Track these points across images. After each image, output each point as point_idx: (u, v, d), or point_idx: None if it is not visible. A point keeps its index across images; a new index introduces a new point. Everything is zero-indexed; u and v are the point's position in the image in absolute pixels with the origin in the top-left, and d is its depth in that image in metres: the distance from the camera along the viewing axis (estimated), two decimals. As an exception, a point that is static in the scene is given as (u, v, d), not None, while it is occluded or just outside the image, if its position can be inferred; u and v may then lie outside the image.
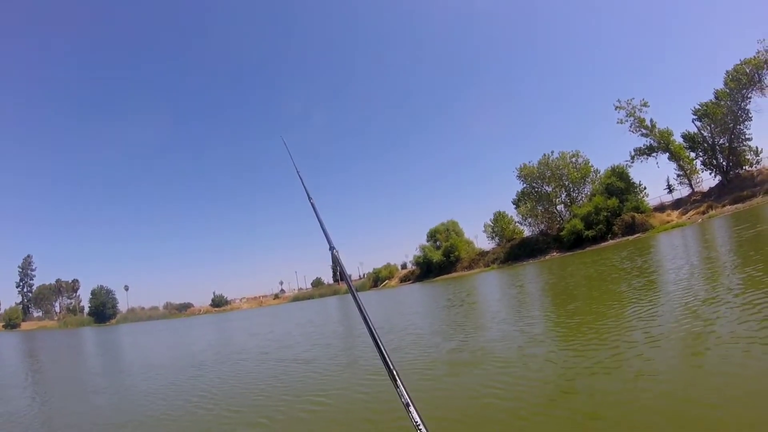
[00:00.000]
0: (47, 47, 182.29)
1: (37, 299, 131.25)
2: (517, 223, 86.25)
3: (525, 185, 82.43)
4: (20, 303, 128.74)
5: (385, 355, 1.28)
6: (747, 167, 63.25)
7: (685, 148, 69.69)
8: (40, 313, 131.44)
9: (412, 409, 1.12)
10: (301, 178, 2.74)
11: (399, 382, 1.16)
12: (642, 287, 16.25)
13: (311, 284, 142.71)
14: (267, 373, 13.66)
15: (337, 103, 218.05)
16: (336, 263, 2.03)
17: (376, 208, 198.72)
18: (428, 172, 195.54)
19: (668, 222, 59.50)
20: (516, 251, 77.33)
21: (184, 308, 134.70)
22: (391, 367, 1.24)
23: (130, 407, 11.25)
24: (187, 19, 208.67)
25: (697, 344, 8.42)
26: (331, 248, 2.27)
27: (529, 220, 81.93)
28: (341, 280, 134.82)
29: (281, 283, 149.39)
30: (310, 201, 2.39)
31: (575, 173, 75.53)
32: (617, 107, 72.36)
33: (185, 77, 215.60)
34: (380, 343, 1.34)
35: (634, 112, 71.37)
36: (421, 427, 1.10)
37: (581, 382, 7.47)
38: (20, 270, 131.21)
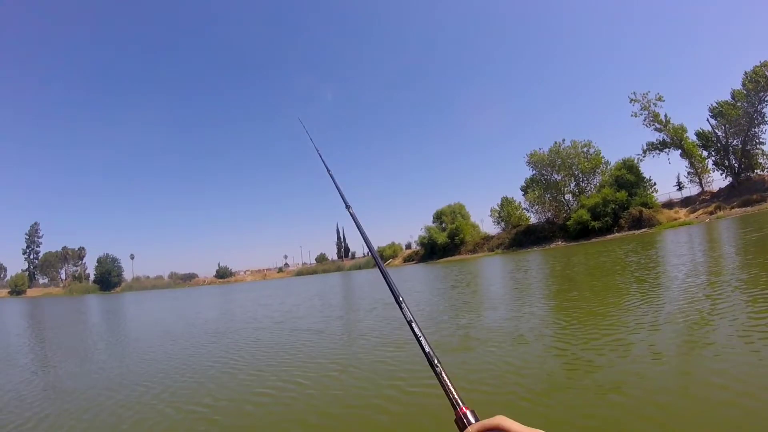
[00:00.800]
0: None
1: (44, 266, 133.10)
2: (524, 210, 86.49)
3: (534, 172, 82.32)
4: (26, 270, 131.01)
5: (391, 284, 1.56)
6: (759, 171, 63.04)
7: (698, 146, 69.25)
8: (46, 280, 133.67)
9: (414, 325, 1.34)
10: (321, 156, 2.88)
11: (404, 306, 1.42)
12: (648, 282, 16.39)
13: (315, 260, 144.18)
14: (287, 341, 14.16)
15: (350, 80, 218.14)
16: (356, 223, 2.05)
17: (384, 186, 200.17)
18: (438, 153, 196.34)
19: (675, 219, 59.51)
20: (521, 238, 77.64)
21: (188, 278, 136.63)
22: (397, 293, 1.51)
23: (156, 372, 11.58)
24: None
25: (696, 333, 8.79)
26: (347, 206, 2.25)
27: (536, 207, 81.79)
28: (345, 256, 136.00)
29: (285, 257, 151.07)
30: (329, 173, 2.55)
31: (586, 163, 75.01)
32: (632, 100, 71.90)
33: (196, 52, 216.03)
34: (385, 273, 1.66)
35: (649, 105, 71.02)
36: (421, 339, 1.28)
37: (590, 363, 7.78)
38: (27, 237, 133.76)
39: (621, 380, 6.72)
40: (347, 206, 2.24)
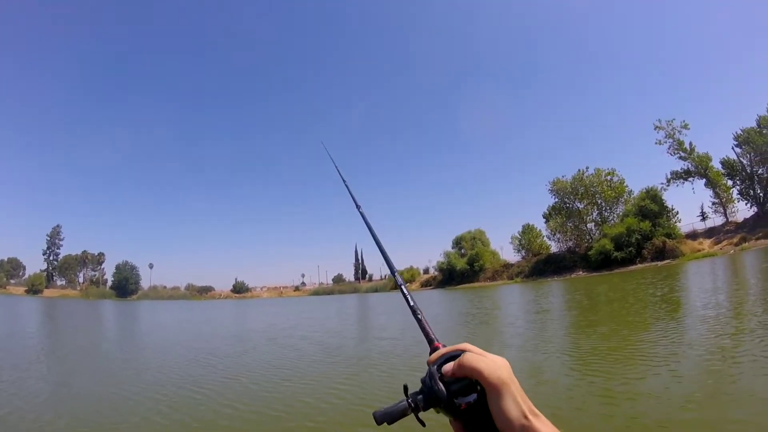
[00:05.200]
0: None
1: (62, 268, 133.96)
2: (545, 238, 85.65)
3: (556, 200, 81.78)
4: (45, 270, 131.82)
5: (387, 256, 1.72)
6: (785, 201, 61.37)
7: (723, 175, 67.83)
8: (64, 282, 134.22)
9: (403, 288, 1.47)
10: (345, 182, 2.69)
11: (399, 280, 1.53)
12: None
13: (332, 280, 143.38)
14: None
15: (376, 100, 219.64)
16: (366, 223, 1.99)
17: (404, 209, 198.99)
18: (459, 178, 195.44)
19: (699, 250, 58.13)
20: (541, 266, 76.34)
21: (205, 291, 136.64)
22: (390, 263, 1.69)
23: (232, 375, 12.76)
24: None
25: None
26: (358, 206, 2.22)
27: (558, 235, 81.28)
28: (362, 277, 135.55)
29: (303, 275, 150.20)
30: (358, 209, 2.30)
31: (609, 192, 74.28)
32: (657, 127, 71.08)
33: (223, 65, 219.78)
34: (383, 249, 1.78)
35: (674, 133, 70.05)
36: (409, 298, 1.40)
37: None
38: (48, 238, 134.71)
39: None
40: (357, 206, 2.22)
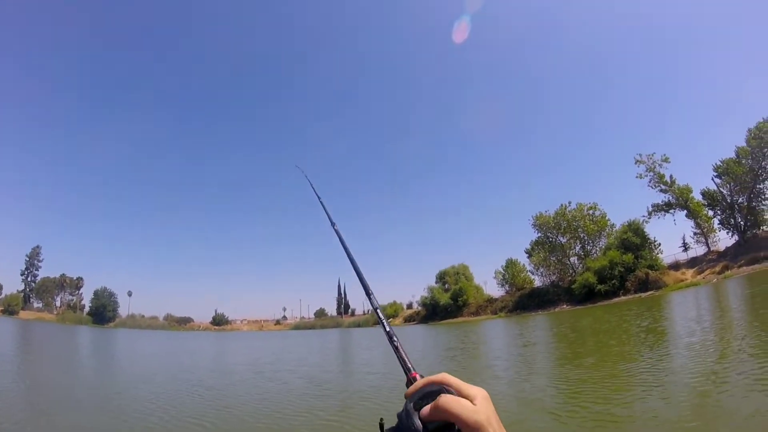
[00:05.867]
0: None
1: (40, 290, 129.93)
2: (528, 272, 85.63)
3: (539, 234, 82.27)
4: (22, 291, 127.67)
5: (362, 276, 1.65)
6: (765, 227, 61.75)
7: (704, 205, 68.29)
8: (40, 305, 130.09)
9: (373, 297, 1.50)
10: (319, 198, 2.65)
11: (371, 293, 1.54)
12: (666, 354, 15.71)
13: (314, 314, 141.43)
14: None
15: (359, 137, 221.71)
16: (341, 241, 1.89)
17: (387, 244, 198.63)
18: (442, 213, 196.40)
19: (682, 281, 57.83)
20: (525, 301, 75.89)
21: (184, 322, 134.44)
22: (365, 283, 1.61)
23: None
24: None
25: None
26: (332, 223, 2.14)
27: (541, 269, 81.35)
28: (345, 312, 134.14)
29: (284, 309, 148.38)
30: (333, 227, 2.22)
31: (591, 226, 74.83)
32: (637, 161, 71.60)
33: (211, 87, 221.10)
34: (358, 269, 1.70)
35: (654, 167, 70.54)
36: (385, 323, 1.38)
37: None
38: (27, 259, 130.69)
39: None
40: (332, 223, 2.16)
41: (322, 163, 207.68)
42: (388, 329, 1.34)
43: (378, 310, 1.43)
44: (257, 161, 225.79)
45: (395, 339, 1.29)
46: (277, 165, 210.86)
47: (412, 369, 1.16)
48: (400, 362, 1.21)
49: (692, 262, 65.42)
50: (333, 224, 2.14)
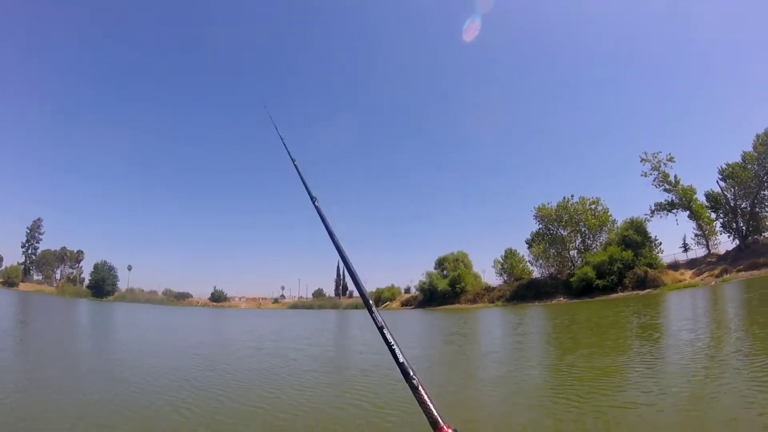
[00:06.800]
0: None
1: (40, 263, 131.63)
2: (527, 263, 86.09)
3: (541, 226, 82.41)
4: (22, 263, 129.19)
5: (362, 290, 1.58)
6: (767, 234, 61.95)
7: (707, 207, 68.39)
8: (40, 277, 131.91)
9: (385, 331, 1.27)
10: (296, 165, 2.51)
11: (374, 309, 1.39)
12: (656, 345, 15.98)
13: (312, 294, 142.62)
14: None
15: (356, 116, 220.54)
16: (321, 216, 1.87)
17: (388, 227, 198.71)
18: (445, 200, 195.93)
19: (681, 281, 58.16)
20: (523, 291, 76.28)
21: (182, 297, 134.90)
22: (368, 298, 1.48)
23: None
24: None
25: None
26: (313, 199, 2.06)
27: (540, 261, 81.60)
28: (343, 294, 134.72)
29: (282, 288, 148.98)
30: (313, 203, 2.14)
31: (593, 220, 74.89)
32: (643, 159, 71.56)
33: (217, 71, 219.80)
34: (358, 281, 1.64)
35: (659, 166, 70.62)
36: (395, 347, 1.19)
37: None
38: (28, 231, 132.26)
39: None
40: (313, 199, 2.07)
41: (327, 146, 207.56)
42: (401, 359, 1.15)
43: (384, 331, 1.28)
44: (261, 144, 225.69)
45: (414, 377, 1.07)
46: (273, 150, 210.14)
47: (440, 421, 0.92)
48: (423, 409, 0.97)
49: (691, 264, 65.58)
50: (313, 200, 2.07)
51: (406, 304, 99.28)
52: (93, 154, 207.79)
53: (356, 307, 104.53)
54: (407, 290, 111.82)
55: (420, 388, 1.01)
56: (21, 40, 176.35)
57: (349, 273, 1.57)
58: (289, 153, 2.65)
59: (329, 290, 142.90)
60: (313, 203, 2.03)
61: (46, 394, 10.35)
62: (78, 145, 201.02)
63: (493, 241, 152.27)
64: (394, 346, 1.19)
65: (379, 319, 1.32)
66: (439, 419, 0.92)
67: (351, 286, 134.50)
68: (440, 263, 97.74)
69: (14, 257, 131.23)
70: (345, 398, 10.92)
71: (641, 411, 8.27)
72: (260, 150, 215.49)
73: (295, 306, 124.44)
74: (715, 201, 67.51)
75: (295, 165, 2.45)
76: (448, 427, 0.90)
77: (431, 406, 0.96)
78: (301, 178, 2.26)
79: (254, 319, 57.61)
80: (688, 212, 69.14)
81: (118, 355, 18.59)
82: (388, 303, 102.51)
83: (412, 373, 1.07)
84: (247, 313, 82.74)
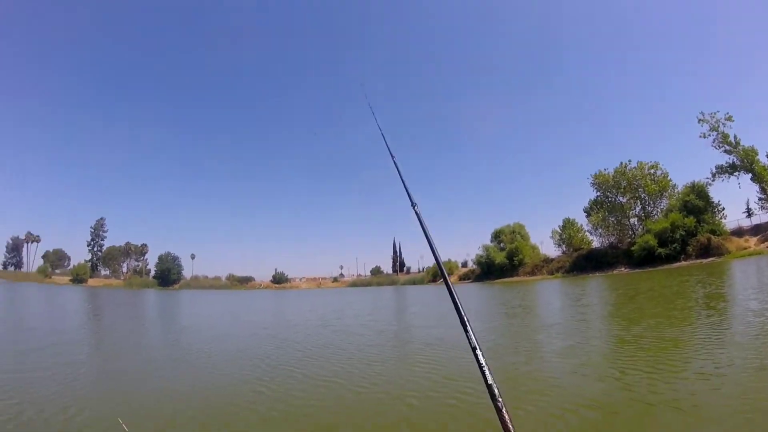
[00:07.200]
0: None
1: (106, 259, 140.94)
2: (586, 233, 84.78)
3: (598, 194, 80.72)
4: (89, 260, 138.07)
5: (457, 302, 1.44)
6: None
7: (770, 169, 65.66)
8: (108, 272, 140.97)
9: (478, 351, 1.25)
10: (399, 173, 2.34)
11: (468, 327, 1.30)
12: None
13: (370, 272, 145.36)
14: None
15: (418, 89, 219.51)
16: (421, 223, 1.83)
17: (443, 202, 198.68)
18: (501, 171, 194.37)
19: (745, 248, 56.80)
20: (582, 262, 75.82)
21: (245, 281, 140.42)
22: (463, 314, 1.38)
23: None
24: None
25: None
26: (413, 204, 1.97)
27: (600, 230, 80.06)
28: (400, 270, 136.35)
29: (341, 267, 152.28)
30: (393, 160, 2.22)
31: (652, 186, 72.94)
32: (700, 120, 68.91)
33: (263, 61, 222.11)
34: (451, 288, 1.54)
35: (718, 126, 67.91)
36: (485, 369, 1.19)
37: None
38: (92, 230, 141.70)
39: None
40: (413, 204, 1.97)
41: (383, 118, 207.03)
42: (490, 381, 1.18)
43: (477, 351, 1.27)
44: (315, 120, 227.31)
45: (499, 399, 1.09)
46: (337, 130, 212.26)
47: None
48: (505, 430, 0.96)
49: (756, 230, 63.70)
50: (414, 205, 1.97)
51: (463, 278, 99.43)
52: (146, 151, 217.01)
53: (414, 283, 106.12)
54: (464, 264, 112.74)
55: (504, 410, 1.06)
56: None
57: (443, 277, 1.52)
58: (389, 149, 2.54)
59: (386, 267, 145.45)
60: (413, 208, 1.93)
61: (129, 383, 10.95)
62: (129, 145, 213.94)
63: (550, 212, 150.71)
64: (485, 368, 1.19)
65: (474, 339, 1.28)
66: None
67: (408, 262, 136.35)
68: (497, 236, 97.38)
69: (81, 255, 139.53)
70: (414, 371, 11.30)
71: (713, 382, 8.31)
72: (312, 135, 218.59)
73: (353, 284, 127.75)
74: (779, 162, 64.69)
75: (395, 162, 2.34)
76: None
77: (512, 428, 1.01)
78: (402, 180, 2.15)
79: (315, 298, 58.63)
80: (750, 175, 66.45)
81: (191, 340, 19.03)
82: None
83: (498, 394, 1.11)
84: (308, 293, 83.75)
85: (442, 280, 1.16)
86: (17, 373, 11.52)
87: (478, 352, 1.26)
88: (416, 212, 1.92)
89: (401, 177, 2.20)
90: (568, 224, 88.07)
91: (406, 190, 2.09)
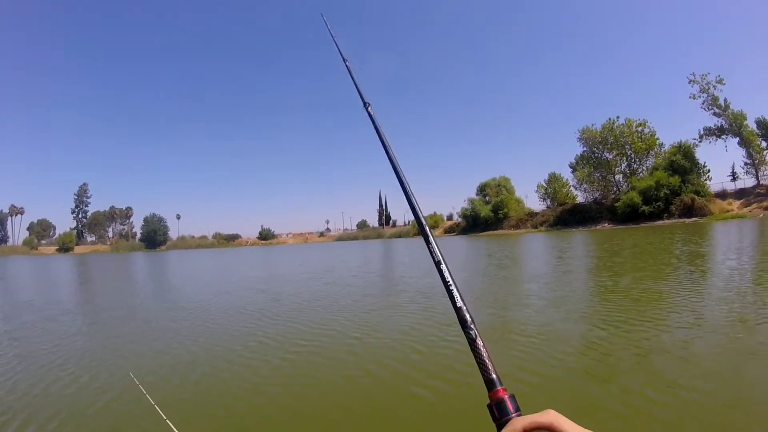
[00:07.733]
0: None
1: (91, 225, 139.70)
2: (571, 188, 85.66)
3: (585, 149, 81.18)
4: (74, 228, 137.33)
5: (418, 213, 1.22)
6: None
7: (758, 135, 66.33)
8: (94, 238, 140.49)
9: (443, 267, 1.03)
10: (346, 64, 2.08)
11: (431, 240, 1.09)
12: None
13: (356, 226, 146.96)
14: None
15: (408, 44, 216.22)
16: (373, 123, 1.65)
17: (429, 155, 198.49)
18: (486, 126, 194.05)
19: (728, 211, 58.13)
20: (566, 216, 76.94)
21: (231, 239, 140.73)
22: (425, 225, 1.16)
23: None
24: None
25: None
26: (366, 105, 1.77)
27: (585, 186, 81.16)
28: (386, 223, 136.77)
29: (327, 222, 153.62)
30: (366, 108, 1.81)
31: (639, 143, 73.47)
32: (691, 81, 69.75)
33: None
34: (415, 204, 1.27)
35: (708, 88, 68.67)
36: (452, 286, 0.98)
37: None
38: (76, 197, 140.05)
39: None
40: (365, 104, 1.77)
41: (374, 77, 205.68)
42: (459, 304, 0.95)
43: (442, 266, 1.03)
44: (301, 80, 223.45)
45: (472, 328, 0.88)
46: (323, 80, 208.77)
47: (497, 381, 0.77)
48: (480, 367, 0.82)
49: (740, 194, 64.80)
50: (366, 105, 1.77)
51: (449, 231, 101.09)
52: (124, 110, 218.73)
53: (400, 236, 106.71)
54: (449, 217, 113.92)
55: (478, 340, 0.86)
56: None
57: (404, 192, 1.31)
58: (340, 52, 2.21)
59: (372, 221, 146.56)
60: (366, 109, 1.75)
61: (133, 344, 10.63)
62: (108, 106, 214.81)
63: (535, 165, 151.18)
64: (452, 287, 0.98)
65: (437, 252, 1.06)
66: (497, 381, 0.78)
67: (394, 215, 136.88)
68: (482, 189, 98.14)
69: (66, 224, 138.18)
70: (411, 318, 11.22)
71: (701, 331, 8.39)
72: (301, 86, 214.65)
73: (340, 238, 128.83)
74: (766, 129, 65.55)
75: (347, 66, 2.07)
76: (504, 391, 0.76)
77: (489, 364, 0.81)
78: (353, 80, 1.93)
79: (303, 252, 58.47)
80: (737, 139, 67.54)
81: (187, 300, 18.20)
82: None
83: (470, 321, 0.90)
84: (296, 248, 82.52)
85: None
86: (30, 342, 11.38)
87: (443, 267, 1.03)
88: (369, 113, 1.71)
89: (353, 79, 1.96)
90: (553, 178, 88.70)
91: (358, 90, 1.86)
